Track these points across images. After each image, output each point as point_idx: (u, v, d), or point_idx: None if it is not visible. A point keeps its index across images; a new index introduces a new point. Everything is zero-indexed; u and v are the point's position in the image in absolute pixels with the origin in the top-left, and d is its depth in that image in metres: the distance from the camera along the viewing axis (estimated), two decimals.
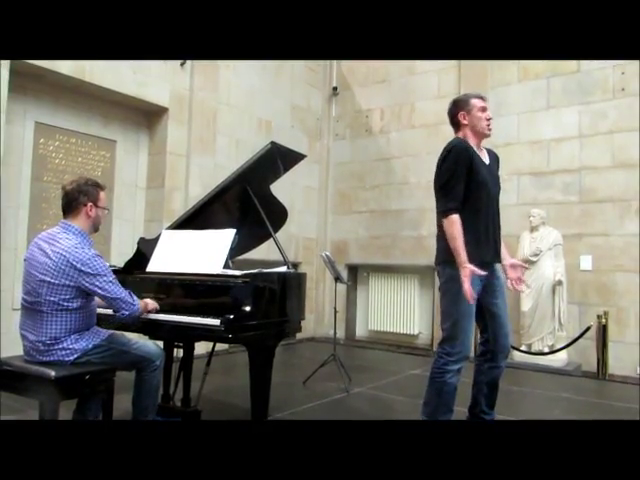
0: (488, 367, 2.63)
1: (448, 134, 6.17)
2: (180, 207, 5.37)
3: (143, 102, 5.06)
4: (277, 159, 2.86)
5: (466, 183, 2.49)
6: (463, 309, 2.48)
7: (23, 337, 2.31)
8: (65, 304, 2.23)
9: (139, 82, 4.95)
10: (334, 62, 7.22)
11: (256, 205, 2.89)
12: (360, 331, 7.11)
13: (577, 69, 5.58)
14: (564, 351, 5.11)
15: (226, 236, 2.63)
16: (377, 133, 6.90)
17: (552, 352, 5.04)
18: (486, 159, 2.71)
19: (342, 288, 6.68)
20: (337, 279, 4.10)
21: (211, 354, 2.92)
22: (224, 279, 2.44)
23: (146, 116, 5.34)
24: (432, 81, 6.46)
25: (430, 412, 2.54)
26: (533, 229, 5.36)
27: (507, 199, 5.57)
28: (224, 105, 5.80)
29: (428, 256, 6.56)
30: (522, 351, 5.24)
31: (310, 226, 7.04)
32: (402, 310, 6.58)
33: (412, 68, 6.62)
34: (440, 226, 2.56)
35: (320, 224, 7.19)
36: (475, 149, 2.63)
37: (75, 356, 2.26)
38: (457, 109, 2.67)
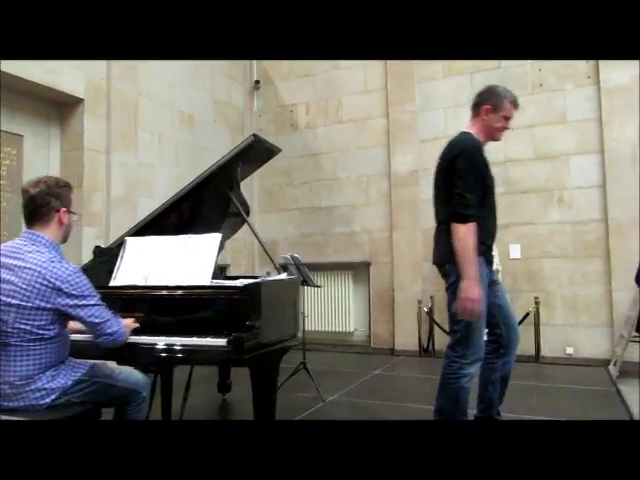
0: (502, 362, 2.58)
1: (377, 129, 6.31)
2: (101, 209, 4.81)
3: (54, 92, 4.42)
4: (257, 152, 2.57)
5: (481, 185, 2.40)
6: None
7: None
8: (40, 332, 1.78)
9: (49, 69, 4.31)
10: None
11: (232, 202, 2.58)
12: None
13: (498, 65, 5.80)
14: None
15: (211, 241, 2.30)
16: (303, 128, 6.71)
17: None
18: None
19: None
20: (304, 282, 3.85)
21: (189, 377, 2.56)
22: (223, 291, 2.12)
23: (57, 107, 4.68)
24: (358, 75, 6.39)
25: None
26: None
27: None
28: (144, 97, 5.27)
29: (362, 252, 6.57)
30: None
31: None
32: (337, 308, 6.46)
33: (337, 63, 6.50)
34: (446, 226, 2.42)
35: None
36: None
37: (52, 397, 1.82)
38: (488, 98, 2.52)
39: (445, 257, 2.48)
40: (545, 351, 5.36)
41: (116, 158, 4.89)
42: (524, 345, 5.43)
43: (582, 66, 5.38)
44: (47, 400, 1.82)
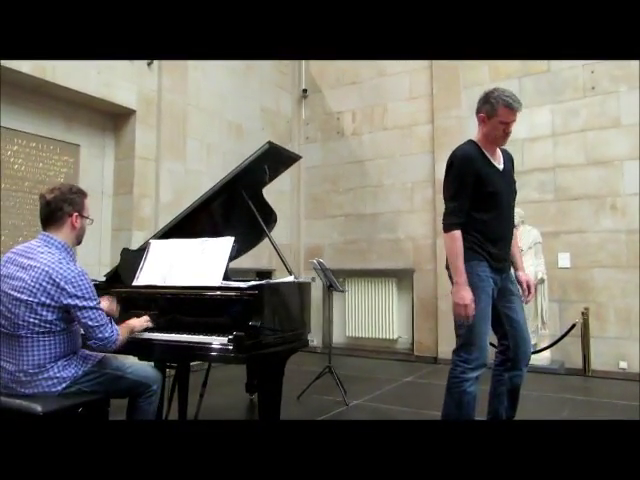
0: (509, 376, 2.52)
1: (422, 135, 6.28)
2: (150, 215, 5.08)
3: (109, 104, 4.75)
4: (274, 160, 2.66)
5: (476, 194, 2.39)
6: (478, 312, 2.36)
7: None
8: (47, 326, 1.96)
9: (104, 82, 4.64)
10: (303, 64, 7.07)
11: (252, 209, 2.68)
12: (337, 338, 6.94)
13: (547, 69, 5.63)
14: (547, 349, 5.11)
15: (224, 244, 2.41)
16: (349, 135, 6.78)
17: (540, 351, 5.02)
18: (500, 164, 2.55)
19: (317, 294, 6.50)
20: (330, 287, 3.91)
21: (207, 374, 2.68)
22: (229, 292, 2.22)
23: (112, 119, 5.02)
24: (404, 82, 6.39)
25: None
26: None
27: None
28: (193, 108, 5.53)
29: (406, 259, 6.53)
30: None
31: (283, 231, 6.81)
32: (380, 315, 6.45)
33: (383, 69, 6.53)
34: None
35: (293, 229, 7.00)
36: (488, 154, 2.49)
37: (63, 386, 1.99)
38: (482, 107, 2.48)
39: (447, 262, 2.49)
40: (596, 365, 5.12)
41: (165, 166, 5.15)
42: (571, 357, 5.23)
43: (637, 67, 5.12)
44: (59, 388, 1.98)
